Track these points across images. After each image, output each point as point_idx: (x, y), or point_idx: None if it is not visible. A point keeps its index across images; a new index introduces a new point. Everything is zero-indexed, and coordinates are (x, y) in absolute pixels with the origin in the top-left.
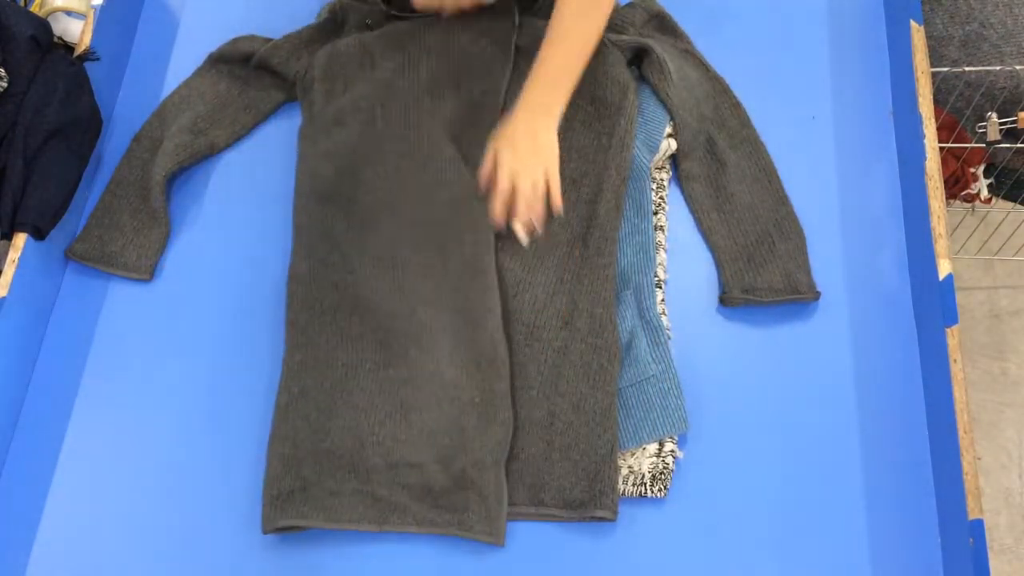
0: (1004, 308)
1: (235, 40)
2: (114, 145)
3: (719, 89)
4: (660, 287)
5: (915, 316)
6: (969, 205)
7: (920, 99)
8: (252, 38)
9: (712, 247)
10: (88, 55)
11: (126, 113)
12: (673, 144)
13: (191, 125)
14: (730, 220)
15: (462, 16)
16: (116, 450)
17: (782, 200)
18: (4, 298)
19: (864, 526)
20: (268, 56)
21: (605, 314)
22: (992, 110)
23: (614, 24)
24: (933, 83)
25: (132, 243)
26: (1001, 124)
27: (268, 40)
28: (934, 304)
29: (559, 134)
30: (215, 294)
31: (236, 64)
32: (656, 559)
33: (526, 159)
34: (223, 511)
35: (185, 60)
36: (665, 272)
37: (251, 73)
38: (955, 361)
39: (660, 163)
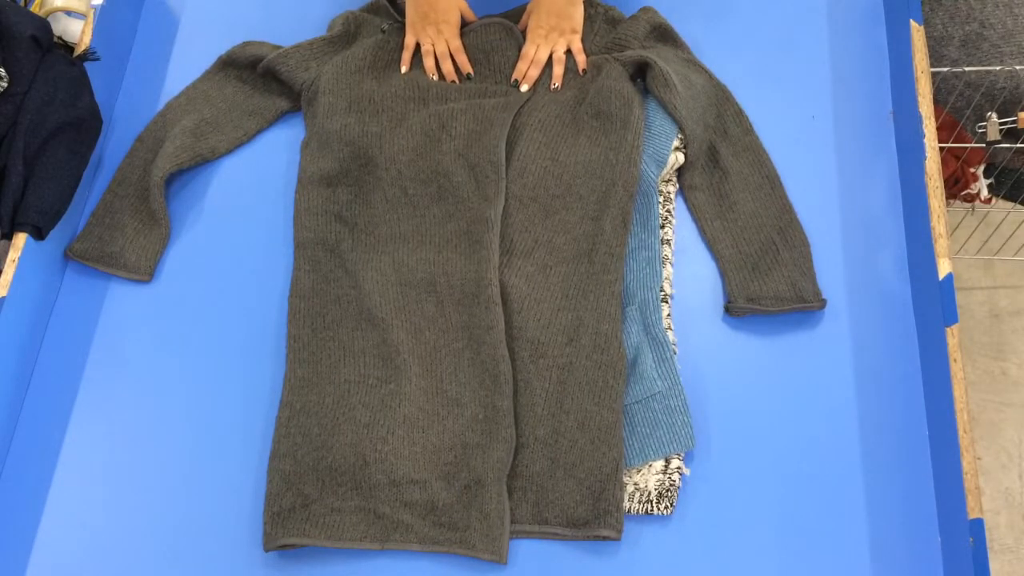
0: (1004, 308)
1: (246, 44)
2: (114, 145)
3: (722, 97)
4: (667, 302)
5: (915, 316)
6: (969, 205)
7: (920, 99)
8: (263, 44)
9: (716, 256)
10: (88, 55)
11: (126, 113)
12: (681, 157)
13: (194, 128)
14: (733, 228)
15: (475, 33)
16: (116, 451)
17: (786, 208)
18: (4, 298)
19: (864, 526)
20: (275, 64)
21: (611, 330)
22: (992, 110)
23: (617, 39)
24: (933, 83)
25: (132, 243)
26: (1001, 124)
27: (278, 47)
28: (934, 304)
29: (566, 149)
30: (217, 298)
31: (245, 68)
32: None
33: (550, 35)
34: (224, 520)
35: (185, 60)
36: (671, 287)
37: (258, 79)
38: (955, 361)
39: (667, 176)
